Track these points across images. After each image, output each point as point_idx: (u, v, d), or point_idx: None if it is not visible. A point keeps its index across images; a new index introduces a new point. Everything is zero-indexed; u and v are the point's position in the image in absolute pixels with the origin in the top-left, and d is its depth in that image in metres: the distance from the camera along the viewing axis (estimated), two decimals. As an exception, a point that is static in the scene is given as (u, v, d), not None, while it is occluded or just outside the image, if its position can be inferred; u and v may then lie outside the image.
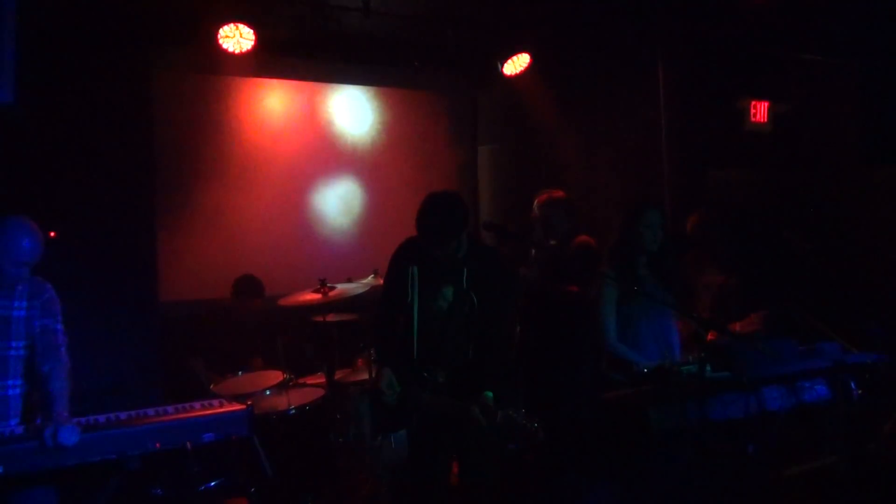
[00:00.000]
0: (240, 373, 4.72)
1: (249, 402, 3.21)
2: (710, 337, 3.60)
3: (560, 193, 4.62)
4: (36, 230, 2.98)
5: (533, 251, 4.54)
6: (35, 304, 3.03)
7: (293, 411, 4.38)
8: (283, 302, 4.80)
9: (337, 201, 6.62)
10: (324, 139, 6.57)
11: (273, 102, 6.33)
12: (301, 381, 4.82)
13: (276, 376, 4.62)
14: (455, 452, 3.28)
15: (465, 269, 3.18)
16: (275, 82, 6.35)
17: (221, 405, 3.12)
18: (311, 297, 4.67)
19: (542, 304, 4.41)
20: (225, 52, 5.14)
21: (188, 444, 2.91)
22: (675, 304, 3.58)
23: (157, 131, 5.14)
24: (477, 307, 3.14)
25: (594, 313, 3.68)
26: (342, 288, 4.76)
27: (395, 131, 6.83)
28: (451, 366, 3.19)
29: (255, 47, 5.16)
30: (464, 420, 3.00)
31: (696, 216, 4.67)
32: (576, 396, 3.99)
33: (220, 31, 5.07)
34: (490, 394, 3.00)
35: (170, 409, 3.05)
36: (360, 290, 4.83)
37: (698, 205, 4.93)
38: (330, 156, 6.60)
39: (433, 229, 3.11)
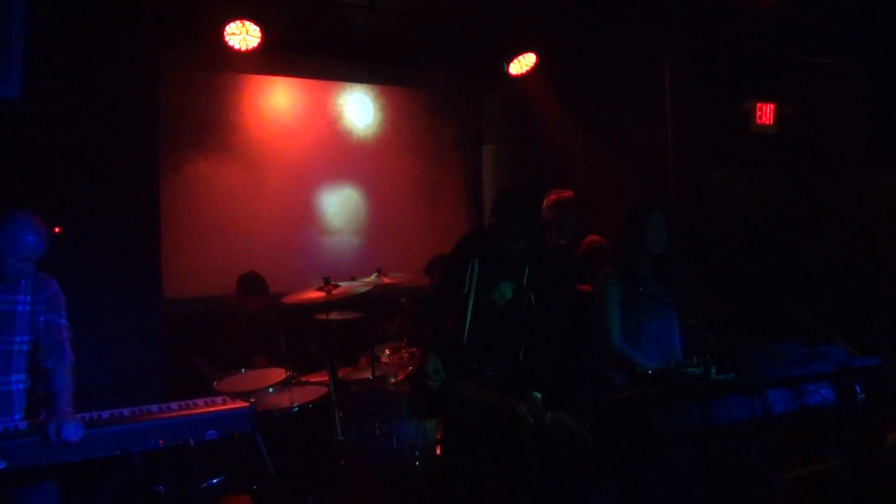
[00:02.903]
0: (243, 370, 4.73)
1: (252, 400, 3.23)
2: None
3: (569, 193, 4.61)
4: (40, 225, 2.98)
5: None
6: (39, 299, 3.03)
7: (296, 409, 4.38)
8: (286, 300, 4.79)
9: (341, 199, 6.62)
10: (329, 137, 6.57)
11: (279, 100, 6.34)
12: (304, 378, 4.83)
13: (279, 374, 4.62)
14: (491, 447, 3.25)
15: (528, 267, 3.18)
16: (281, 80, 6.36)
17: (224, 402, 3.12)
18: (314, 295, 4.66)
19: None
20: (231, 49, 5.14)
21: (191, 441, 2.91)
22: (679, 306, 3.57)
23: (162, 128, 5.13)
24: (534, 306, 3.15)
25: (598, 314, 3.67)
26: (346, 286, 4.76)
27: (401, 130, 6.83)
28: (502, 362, 3.18)
29: (261, 45, 5.17)
30: (510, 416, 2.99)
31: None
32: (585, 395, 3.98)
33: (227, 28, 5.08)
34: (539, 395, 2.99)
35: (173, 406, 3.05)
36: (364, 289, 4.83)
37: (703, 206, 4.92)
38: (335, 154, 6.60)
39: (509, 225, 3.12)
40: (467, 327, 3.18)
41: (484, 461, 3.28)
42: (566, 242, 4.46)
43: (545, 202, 4.58)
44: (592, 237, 4.49)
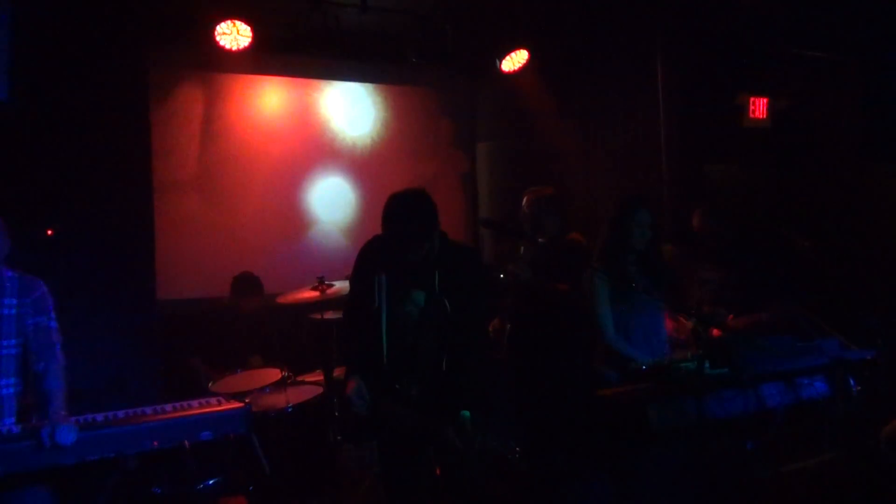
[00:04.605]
0: (238, 371, 4.72)
1: (248, 400, 3.22)
2: (714, 333, 3.59)
3: (548, 190, 4.59)
4: None
5: (521, 249, 4.51)
6: (26, 301, 2.99)
7: (291, 409, 4.38)
8: (281, 300, 4.79)
9: (335, 198, 6.61)
10: (322, 136, 6.56)
11: (271, 99, 6.32)
12: (299, 378, 4.82)
13: (274, 374, 4.61)
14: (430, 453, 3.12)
15: (437, 272, 2.97)
16: (272, 79, 6.34)
17: (220, 403, 3.10)
18: (309, 294, 4.67)
19: (532, 303, 4.39)
20: (222, 49, 5.13)
21: (186, 443, 2.89)
22: (667, 301, 3.58)
23: (153, 128, 5.12)
24: (451, 312, 2.95)
25: (590, 309, 3.67)
26: (340, 286, 4.76)
27: (393, 128, 6.82)
28: (425, 378, 3.00)
29: (252, 44, 5.16)
30: (439, 440, 2.86)
31: (701, 211, 4.69)
32: (568, 394, 3.98)
33: (218, 28, 5.06)
34: (467, 413, 2.86)
35: (168, 407, 3.03)
36: (359, 288, 4.82)
37: (697, 201, 4.93)
38: (328, 153, 6.59)
39: (403, 234, 2.90)
40: (385, 345, 2.96)
41: (423, 472, 3.11)
42: (545, 240, 4.43)
43: (525, 199, 4.57)
44: (573, 235, 4.48)
